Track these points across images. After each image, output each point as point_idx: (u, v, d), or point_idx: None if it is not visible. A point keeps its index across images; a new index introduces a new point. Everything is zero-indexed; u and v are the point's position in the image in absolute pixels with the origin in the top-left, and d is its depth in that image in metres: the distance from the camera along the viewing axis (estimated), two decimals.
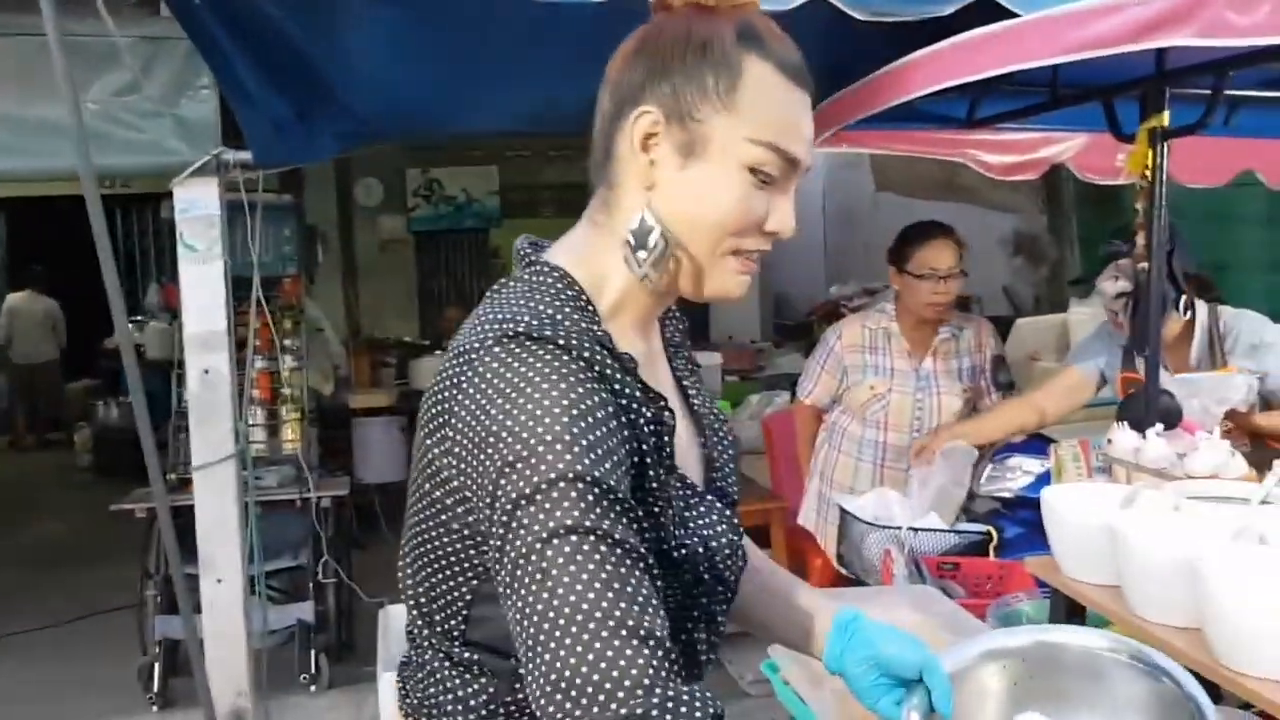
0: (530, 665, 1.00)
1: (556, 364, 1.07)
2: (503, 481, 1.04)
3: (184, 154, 3.71)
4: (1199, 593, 1.65)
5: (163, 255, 11.42)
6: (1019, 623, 2.66)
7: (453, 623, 1.19)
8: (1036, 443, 3.47)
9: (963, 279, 3.55)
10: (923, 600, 2.44)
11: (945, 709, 1.22)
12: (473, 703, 1.19)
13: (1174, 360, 3.14)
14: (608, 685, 0.97)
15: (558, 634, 0.98)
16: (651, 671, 0.98)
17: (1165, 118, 2.86)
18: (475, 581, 1.15)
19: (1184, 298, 3.05)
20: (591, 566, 1.00)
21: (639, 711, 0.96)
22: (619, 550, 1.02)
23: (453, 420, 1.11)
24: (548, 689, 0.98)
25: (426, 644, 1.24)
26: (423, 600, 1.21)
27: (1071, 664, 1.30)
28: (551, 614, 0.99)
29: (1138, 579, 1.85)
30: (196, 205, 3.74)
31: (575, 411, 1.04)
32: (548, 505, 1.01)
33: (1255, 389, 3.05)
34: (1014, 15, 2.60)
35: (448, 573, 1.17)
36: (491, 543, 1.06)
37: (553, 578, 1.00)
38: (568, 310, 1.16)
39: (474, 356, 1.11)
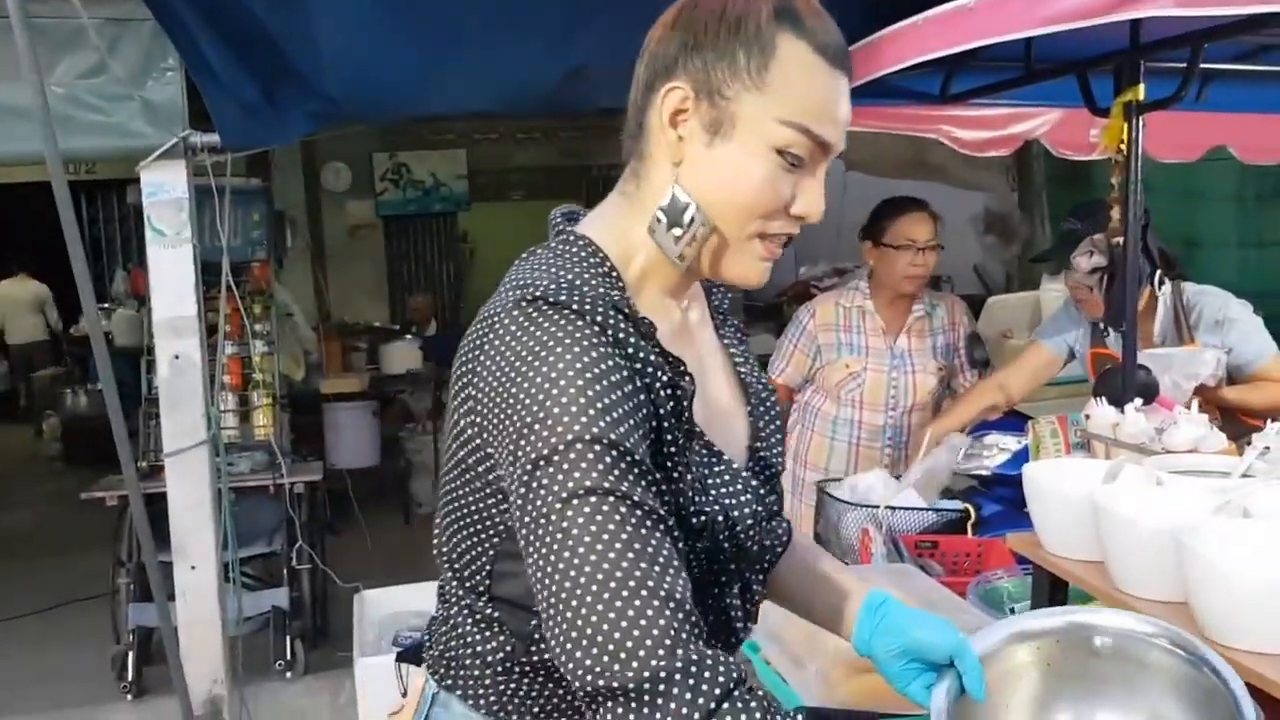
0: (551, 623, 1.01)
1: (570, 328, 1.06)
2: (522, 443, 1.05)
3: (151, 137, 3.66)
4: (1185, 566, 1.64)
5: (129, 242, 11.33)
6: (1000, 600, 2.67)
7: (478, 578, 1.20)
8: (1013, 420, 3.48)
9: (939, 252, 3.55)
10: (901, 579, 2.44)
11: (978, 693, 1.22)
12: (490, 659, 1.21)
13: (1139, 336, 3.15)
14: (629, 644, 0.97)
15: (579, 593, 0.99)
16: (673, 632, 0.98)
17: (1140, 91, 2.86)
18: (498, 539, 1.17)
19: (1158, 272, 3.07)
20: (611, 527, 1.01)
21: (662, 673, 0.97)
22: (639, 512, 1.03)
23: (476, 381, 1.12)
24: (568, 646, 1.00)
25: (454, 599, 1.25)
26: (453, 557, 1.23)
27: (1106, 646, 1.29)
28: (573, 573, 1.00)
29: (1122, 554, 1.85)
30: (164, 189, 3.69)
31: (590, 374, 1.04)
32: (566, 466, 1.02)
33: (1224, 364, 3.07)
34: None
35: (473, 529, 1.19)
36: (513, 501, 1.07)
37: (573, 537, 1.01)
38: (587, 276, 1.16)
39: (495, 321, 1.12)
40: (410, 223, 11.15)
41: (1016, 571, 2.67)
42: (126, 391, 4.96)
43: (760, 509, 1.26)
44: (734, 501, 1.21)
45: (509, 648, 1.20)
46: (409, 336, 8.56)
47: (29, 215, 7.57)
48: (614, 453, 1.03)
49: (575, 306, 1.08)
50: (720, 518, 1.18)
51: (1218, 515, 1.79)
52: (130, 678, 4.49)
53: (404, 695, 3.87)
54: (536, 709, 1.23)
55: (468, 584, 1.22)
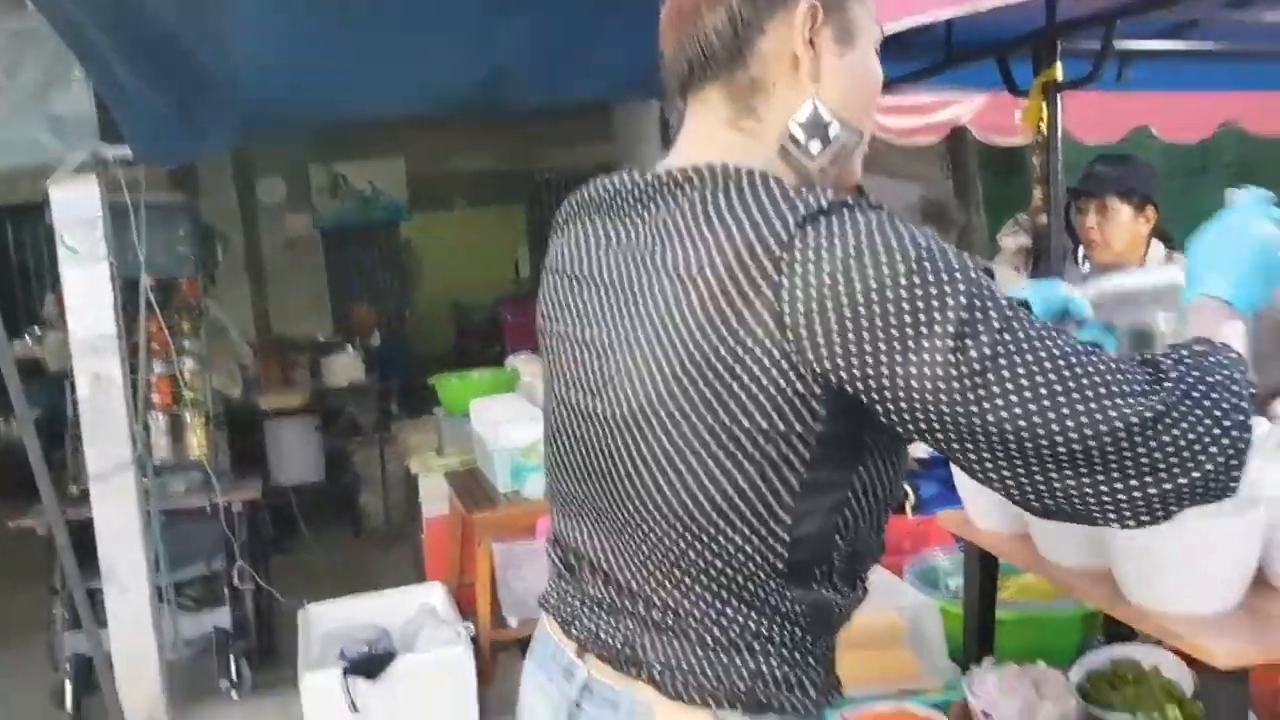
0: (1057, 416, 1.02)
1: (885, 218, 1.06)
2: (927, 329, 1.02)
3: (59, 152, 3.55)
4: (1104, 531, 1.64)
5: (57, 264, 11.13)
6: (936, 578, 2.67)
7: (767, 546, 1.13)
8: None
9: None
10: None
11: None
12: (792, 614, 1.17)
13: None
14: (1133, 386, 1.04)
15: (1065, 373, 1.03)
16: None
17: (1058, 71, 2.89)
18: (796, 481, 1.10)
19: (1080, 249, 3.09)
20: (1033, 330, 1.04)
21: (1162, 392, 1.05)
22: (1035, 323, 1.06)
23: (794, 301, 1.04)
24: (1083, 422, 1.02)
25: (718, 608, 1.17)
26: (714, 548, 1.14)
27: None
28: (1049, 363, 1.03)
29: (1043, 523, 1.85)
30: (76, 206, 3.59)
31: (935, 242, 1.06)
32: (980, 323, 1.03)
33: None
34: None
35: (754, 488, 1.11)
36: (913, 386, 1.03)
37: (1030, 348, 1.03)
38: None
39: (810, 227, 1.05)
40: (350, 234, 11.03)
41: (954, 549, 2.67)
42: (60, 416, 4.87)
43: None
44: None
45: (792, 592, 1.16)
46: (351, 349, 8.44)
47: None
48: (989, 291, 1.04)
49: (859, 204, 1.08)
50: None
51: None
52: (70, 708, 4.38)
53: (353, 710, 3.77)
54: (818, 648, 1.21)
55: (756, 562, 1.14)
